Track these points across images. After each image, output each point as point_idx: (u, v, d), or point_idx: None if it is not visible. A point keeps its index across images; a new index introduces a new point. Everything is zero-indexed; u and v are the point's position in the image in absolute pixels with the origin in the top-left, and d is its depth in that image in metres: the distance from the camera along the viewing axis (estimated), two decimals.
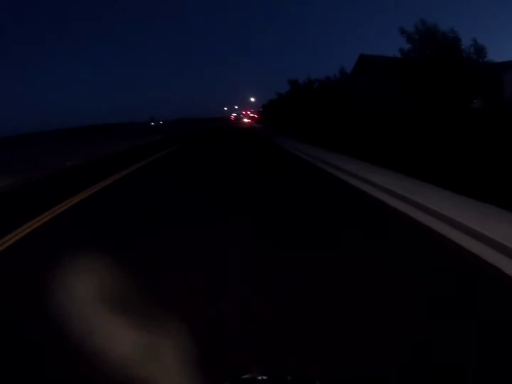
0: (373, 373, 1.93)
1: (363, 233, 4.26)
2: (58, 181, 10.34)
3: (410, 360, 2.01)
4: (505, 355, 2.02)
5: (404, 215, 4.83)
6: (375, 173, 7.67)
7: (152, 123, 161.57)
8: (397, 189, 5.96)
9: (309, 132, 20.69)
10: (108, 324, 2.43)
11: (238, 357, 2.08)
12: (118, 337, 2.29)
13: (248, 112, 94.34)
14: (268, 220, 4.96)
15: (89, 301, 2.71)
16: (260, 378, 0.93)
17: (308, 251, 3.73)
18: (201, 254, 3.85)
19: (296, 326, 2.44)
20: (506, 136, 6.41)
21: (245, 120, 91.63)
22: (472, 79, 12.63)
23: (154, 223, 5.16)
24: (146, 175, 10.47)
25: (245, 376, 0.94)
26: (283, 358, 2.08)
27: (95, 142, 29.78)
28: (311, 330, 2.38)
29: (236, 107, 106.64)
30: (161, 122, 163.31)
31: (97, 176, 9.57)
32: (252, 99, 77.32)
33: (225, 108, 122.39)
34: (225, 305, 2.75)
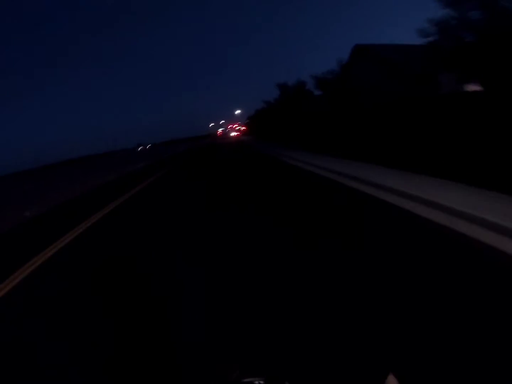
0: None
1: None
2: None
3: None
4: None
5: None
6: (434, 188, 5.16)
7: (139, 148, 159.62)
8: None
9: (307, 138, 17.92)
10: None
11: None
12: None
13: (235, 126, 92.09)
14: None
15: None
16: (258, 383, 0.96)
17: None
18: None
19: None
20: None
21: (232, 134, 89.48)
22: None
23: None
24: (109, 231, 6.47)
25: (245, 380, 0.98)
26: None
27: (65, 179, 26.25)
28: None
29: (222, 122, 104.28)
30: (148, 146, 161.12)
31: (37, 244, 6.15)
32: (238, 111, 74.77)
33: (212, 124, 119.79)
34: None
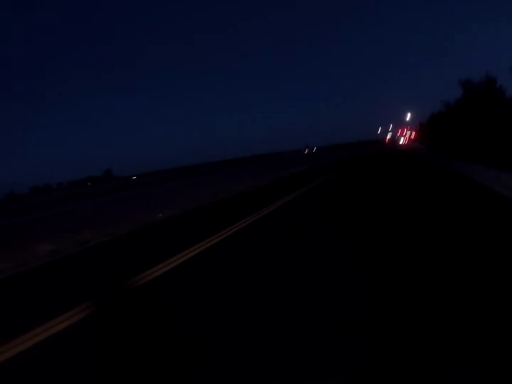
0: None
1: None
2: None
3: None
4: None
5: None
6: None
7: (306, 151, 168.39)
8: None
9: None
10: None
11: None
12: None
13: (404, 132, 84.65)
14: None
15: None
16: None
17: None
18: None
19: None
20: None
21: (401, 141, 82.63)
22: None
23: None
24: None
25: None
26: None
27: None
28: None
29: (390, 127, 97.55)
30: (314, 150, 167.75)
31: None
32: (409, 115, 67.94)
33: (380, 129, 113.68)
34: None
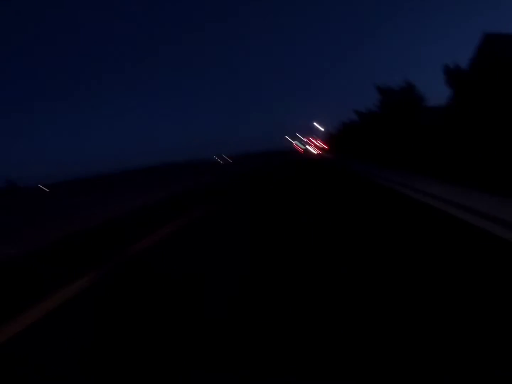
0: None
1: None
2: None
3: None
4: None
5: None
6: None
7: (219, 160, 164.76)
8: None
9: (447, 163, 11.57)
10: None
11: None
12: None
13: (314, 141, 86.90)
14: None
15: None
16: None
17: None
18: None
19: None
20: None
21: (312, 150, 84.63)
22: None
23: None
24: None
25: None
26: None
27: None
28: None
29: (301, 137, 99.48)
30: (226, 159, 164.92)
31: None
32: (320, 127, 68.54)
33: (289, 139, 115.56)
34: None
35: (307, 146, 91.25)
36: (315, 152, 79.07)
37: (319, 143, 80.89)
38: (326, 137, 69.07)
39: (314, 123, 69.66)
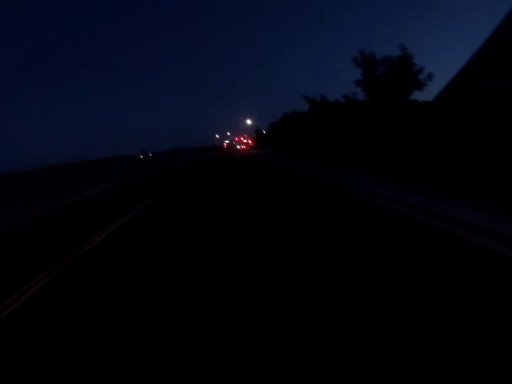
0: None
1: None
2: None
3: None
4: None
5: None
6: None
7: (141, 156, 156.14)
8: None
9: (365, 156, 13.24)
10: None
11: None
12: None
13: (242, 138, 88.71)
14: None
15: None
16: None
17: None
18: None
19: None
20: None
21: (239, 146, 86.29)
22: None
23: None
24: None
25: None
26: None
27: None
28: None
29: (228, 133, 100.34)
30: (150, 154, 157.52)
31: None
32: (249, 122, 69.96)
33: (217, 136, 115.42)
34: None
35: (234, 142, 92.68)
36: (242, 147, 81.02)
37: (244, 140, 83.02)
38: (255, 134, 71.06)
39: (247, 121, 70.96)
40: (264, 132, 58.35)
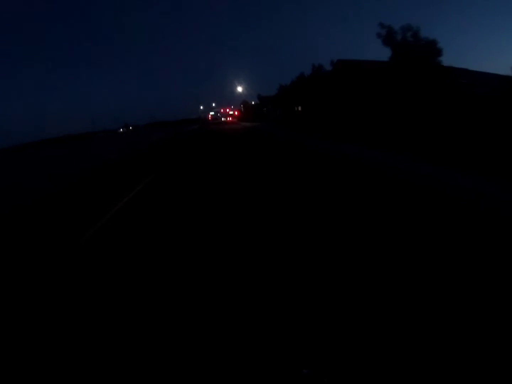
0: None
1: None
2: None
3: None
4: None
5: None
6: None
7: (121, 130, 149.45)
8: None
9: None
10: None
11: None
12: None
13: (228, 110, 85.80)
14: None
15: None
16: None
17: None
18: None
19: None
20: None
21: (224, 118, 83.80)
22: None
23: None
24: None
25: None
26: None
27: None
28: None
29: (213, 104, 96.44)
30: (130, 128, 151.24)
31: None
32: (239, 90, 66.38)
33: (201, 107, 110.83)
34: None
35: (219, 114, 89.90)
36: (228, 119, 78.77)
37: (233, 112, 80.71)
38: (242, 106, 68.75)
39: (238, 88, 67.36)
40: (253, 103, 55.98)
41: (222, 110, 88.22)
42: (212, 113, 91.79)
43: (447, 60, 15.78)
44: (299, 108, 26.58)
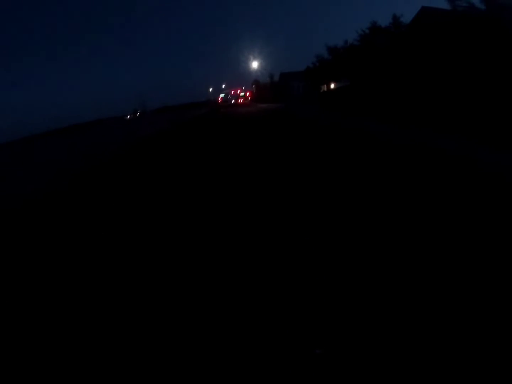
0: None
1: None
2: None
3: None
4: None
5: None
6: None
7: (128, 117, 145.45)
8: None
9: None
10: None
11: None
12: None
13: (239, 91, 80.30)
14: None
15: None
16: None
17: None
18: None
19: None
20: None
21: (234, 101, 78.81)
22: None
23: None
24: None
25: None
26: None
27: None
28: None
29: (223, 86, 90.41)
30: (137, 114, 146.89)
31: None
32: (255, 65, 59.26)
33: (211, 89, 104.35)
34: None
35: (230, 96, 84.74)
36: (240, 102, 74.22)
37: (244, 93, 76.42)
38: (253, 86, 63.89)
39: (252, 64, 60.85)
40: (270, 81, 50.34)
41: (232, 92, 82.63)
42: (222, 95, 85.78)
43: None
44: (340, 84, 21.55)
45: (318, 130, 12.23)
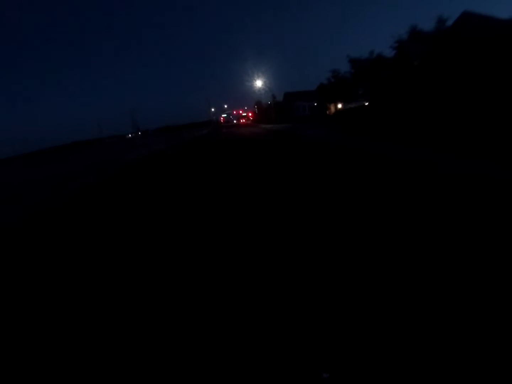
0: None
1: None
2: None
3: None
4: None
5: None
6: None
7: (129, 136, 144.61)
8: None
9: None
10: None
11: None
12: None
13: (241, 112, 79.38)
14: None
15: None
16: None
17: None
18: None
19: None
20: None
21: (236, 121, 77.99)
22: None
23: None
24: None
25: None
26: None
27: None
28: None
29: (225, 106, 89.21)
30: (139, 133, 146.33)
31: None
32: (259, 85, 56.00)
33: (213, 109, 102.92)
34: None
35: (232, 117, 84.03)
36: (242, 122, 73.47)
37: (246, 113, 75.86)
38: (256, 107, 62.79)
39: (256, 83, 58.46)
40: (272, 101, 48.30)
41: (234, 112, 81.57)
42: (224, 115, 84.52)
43: None
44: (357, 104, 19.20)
45: (346, 163, 9.39)
